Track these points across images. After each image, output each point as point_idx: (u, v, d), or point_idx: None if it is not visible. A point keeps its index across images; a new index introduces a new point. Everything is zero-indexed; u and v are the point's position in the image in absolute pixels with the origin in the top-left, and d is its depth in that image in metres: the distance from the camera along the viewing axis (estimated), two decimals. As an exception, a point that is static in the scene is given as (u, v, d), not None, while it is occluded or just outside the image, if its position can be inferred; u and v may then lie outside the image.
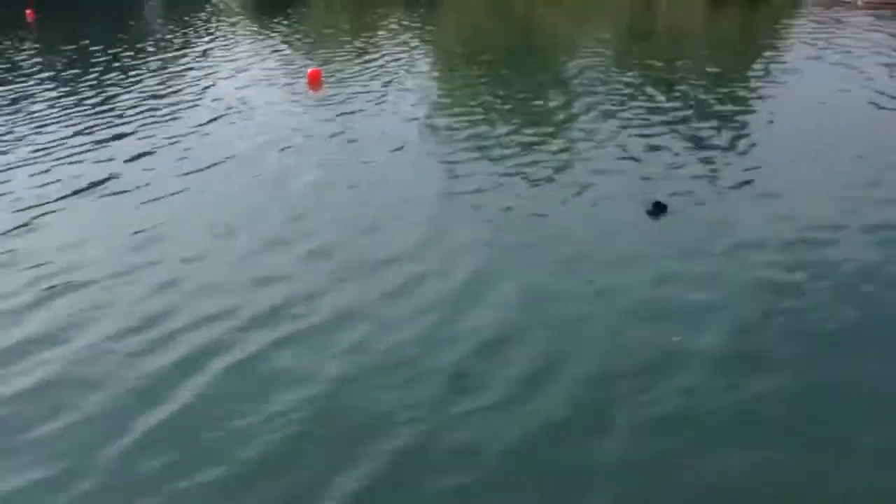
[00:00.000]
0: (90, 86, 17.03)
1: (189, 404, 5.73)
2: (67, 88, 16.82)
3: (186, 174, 10.67)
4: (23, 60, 20.91)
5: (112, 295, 7.36)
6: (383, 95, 15.30)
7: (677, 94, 14.90)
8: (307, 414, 5.58)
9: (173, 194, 9.97)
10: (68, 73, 18.80)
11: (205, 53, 21.64)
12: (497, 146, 11.63)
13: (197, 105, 15.00)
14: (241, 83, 16.99)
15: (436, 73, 18.29)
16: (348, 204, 9.51)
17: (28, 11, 30.70)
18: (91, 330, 6.74)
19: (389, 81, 16.59)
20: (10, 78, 18.47)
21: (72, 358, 6.36)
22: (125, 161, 11.40)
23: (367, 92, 15.51)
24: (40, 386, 6.01)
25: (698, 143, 11.60)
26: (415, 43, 22.45)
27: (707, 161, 10.75)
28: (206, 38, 24.73)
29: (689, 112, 13.40)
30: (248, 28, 28.11)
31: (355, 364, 6.14)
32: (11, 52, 22.50)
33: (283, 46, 22.68)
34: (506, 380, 5.87)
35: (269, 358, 6.26)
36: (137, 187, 10.29)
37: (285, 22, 28.79)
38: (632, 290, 7.16)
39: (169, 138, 12.56)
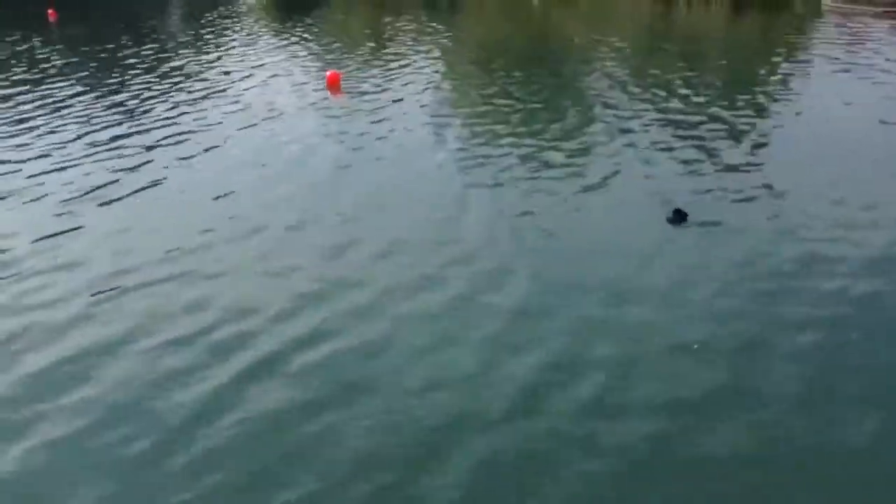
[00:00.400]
0: (119, 88, 17.29)
1: (244, 415, 5.68)
2: (99, 91, 17.02)
3: (223, 180, 10.79)
4: (53, 61, 21.19)
5: (155, 301, 7.37)
6: (406, 101, 15.44)
7: (698, 99, 15.00)
8: (365, 428, 5.53)
9: (214, 199, 10.09)
10: (97, 74, 19.07)
11: (230, 55, 21.94)
12: (527, 160, 11.49)
13: (226, 108, 15.19)
14: (268, 87, 17.27)
15: (458, 77, 18.43)
16: (380, 212, 9.55)
17: (50, 11, 31.04)
18: (137, 338, 6.71)
19: (414, 87, 16.70)
20: (41, 78, 18.75)
21: (120, 366, 6.34)
22: (163, 165, 11.59)
23: (391, 100, 15.59)
24: (89, 397, 5.96)
25: (720, 149, 11.66)
26: (437, 46, 22.63)
27: (728, 168, 10.82)
28: (230, 40, 25.13)
29: (712, 119, 13.49)
30: (270, 29, 28.38)
31: (403, 377, 6.11)
32: (39, 52, 22.83)
33: (305, 49, 22.92)
34: (514, 387, 5.93)
35: (317, 371, 6.21)
36: (179, 191, 10.51)
37: (308, 21, 29.12)
38: (653, 303, 7.18)
39: (203, 143, 12.74)
